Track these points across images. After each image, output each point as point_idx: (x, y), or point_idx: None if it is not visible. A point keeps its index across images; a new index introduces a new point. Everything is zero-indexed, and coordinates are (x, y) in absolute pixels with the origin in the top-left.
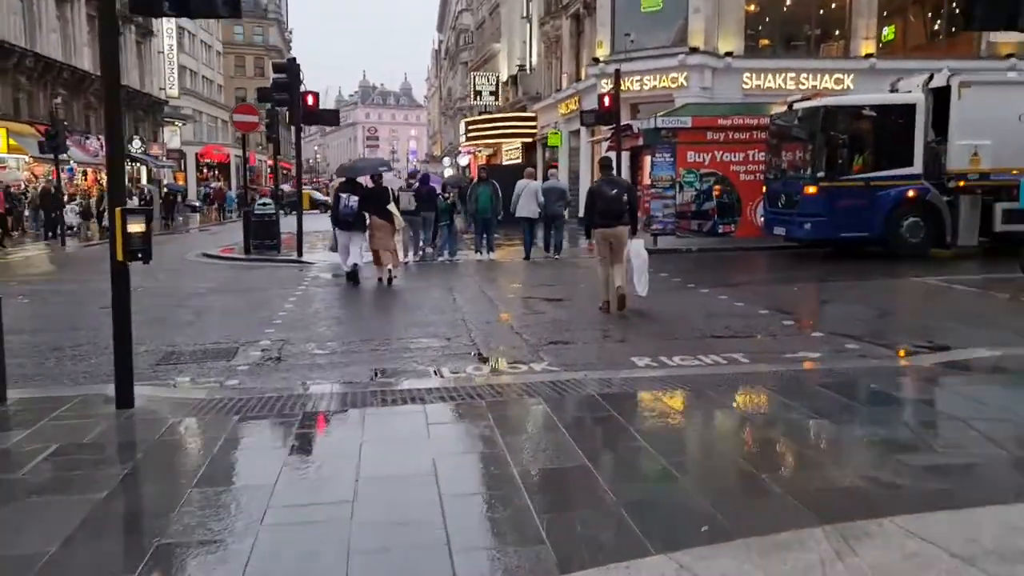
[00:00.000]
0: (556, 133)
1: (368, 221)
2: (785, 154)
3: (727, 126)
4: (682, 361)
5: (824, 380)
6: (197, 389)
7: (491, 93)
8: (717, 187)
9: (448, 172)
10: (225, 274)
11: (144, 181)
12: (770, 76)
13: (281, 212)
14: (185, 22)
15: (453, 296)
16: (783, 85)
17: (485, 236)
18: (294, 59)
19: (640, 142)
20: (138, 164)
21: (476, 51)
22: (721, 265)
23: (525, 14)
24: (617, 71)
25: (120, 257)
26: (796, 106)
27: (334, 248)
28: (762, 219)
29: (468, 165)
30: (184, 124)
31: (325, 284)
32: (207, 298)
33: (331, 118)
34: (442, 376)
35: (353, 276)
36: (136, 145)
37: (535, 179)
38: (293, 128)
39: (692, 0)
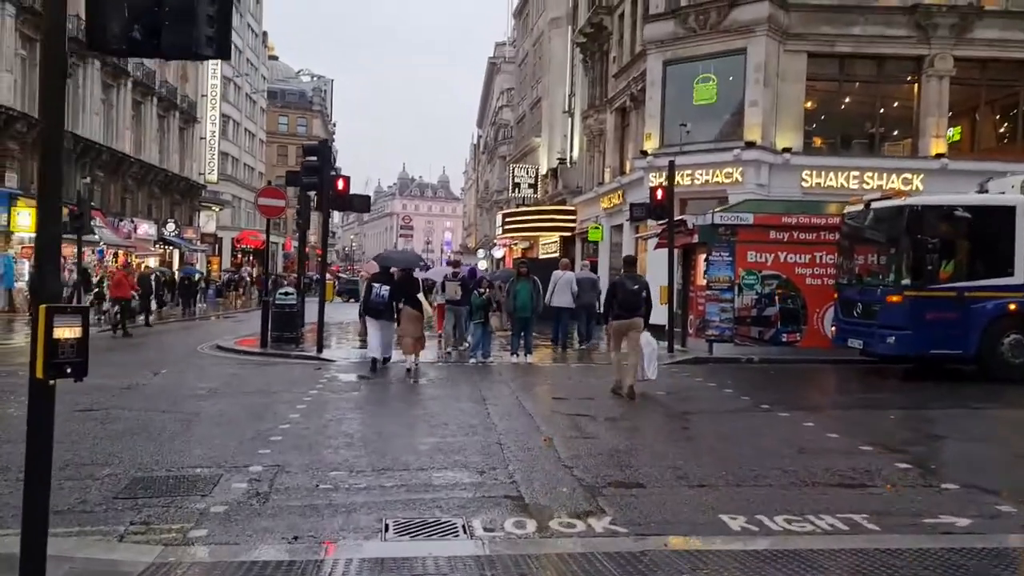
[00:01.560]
0: (597, 228)
1: (397, 312)
2: (860, 257)
3: (792, 224)
4: (788, 523)
5: (1003, 570)
6: (148, 546)
7: (530, 186)
8: (780, 291)
9: (483, 264)
10: (233, 371)
11: (176, 265)
12: (831, 174)
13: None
14: (229, 110)
15: (486, 408)
16: (845, 184)
17: (523, 336)
18: (326, 140)
19: (694, 239)
20: (171, 247)
21: (515, 145)
22: (791, 380)
23: (567, 108)
24: (671, 162)
25: (40, 373)
26: (874, 205)
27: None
28: (832, 328)
29: (503, 258)
30: (221, 209)
31: (341, 388)
32: (204, 402)
33: (362, 204)
34: (472, 534)
35: (375, 367)
36: (170, 228)
37: (570, 270)
38: (321, 214)
39: (749, 93)
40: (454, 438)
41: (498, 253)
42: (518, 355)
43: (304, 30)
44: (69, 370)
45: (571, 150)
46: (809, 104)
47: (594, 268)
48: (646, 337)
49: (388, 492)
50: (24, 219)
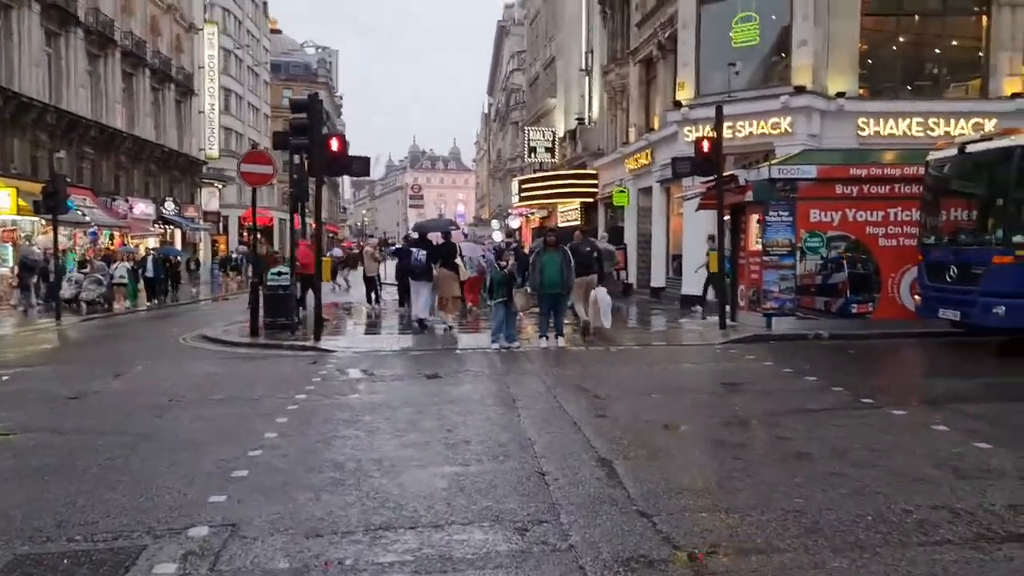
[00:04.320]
0: (623, 191)
1: (435, 272)
2: (953, 212)
3: (862, 177)
4: None
5: None
6: None
7: (547, 150)
8: (849, 254)
9: (497, 235)
10: (212, 369)
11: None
12: (891, 121)
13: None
14: (231, 83)
15: (518, 413)
16: (908, 131)
17: (553, 317)
18: (315, 94)
19: (746, 197)
20: (171, 227)
21: (528, 109)
22: (881, 362)
23: (584, 66)
24: (719, 107)
25: None
26: (972, 147)
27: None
28: (916, 297)
29: (520, 228)
30: (224, 186)
31: (338, 389)
32: (161, 418)
33: (360, 167)
34: None
35: (421, 326)
36: (169, 206)
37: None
38: (315, 180)
39: (797, 32)
40: (480, 464)
41: (514, 223)
42: (547, 339)
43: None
44: None
45: (590, 110)
46: (865, 45)
47: (618, 233)
48: (601, 292)
49: (387, 573)
50: (4, 200)
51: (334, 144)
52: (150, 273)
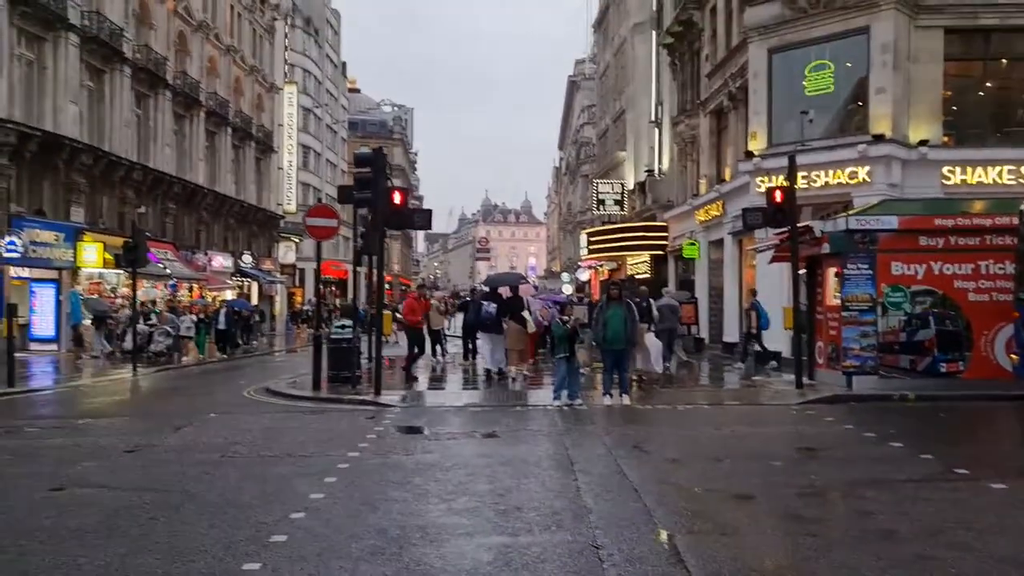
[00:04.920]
0: (693, 244)
1: (505, 326)
2: None
3: (948, 228)
4: None
5: None
6: None
7: (616, 202)
8: (936, 310)
9: (567, 288)
10: (268, 424)
11: (254, 298)
12: (979, 169)
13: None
14: (310, 141)
15: (575, 478)
16: (998, 180)
17: (617, 372)
18: (380, 148)
19: (822, 249)
20: (248, 279)
21: (598, 162)
22: (973, 427)
23: (654, 117)
24: (791, 156)
25: None
26: None
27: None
28: (1014, 356)
29: (588, 280)
30: (301, 240)
31: (391, 447)
32: (209, 475)
33: (423, 220)
34: None
35: (490, 377)
36: (247, 260)
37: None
38: (376, 232)
39: (874, 79)
40: (530, 535)
41: (583, 275)
42: (611, 396)
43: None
44: None
45: (659, 162)
46: (947, 89)
47: (689, 287)
48: (650, 339)
49: None
50: (91, 254)
51: (396, 197)
52: (222, 326)
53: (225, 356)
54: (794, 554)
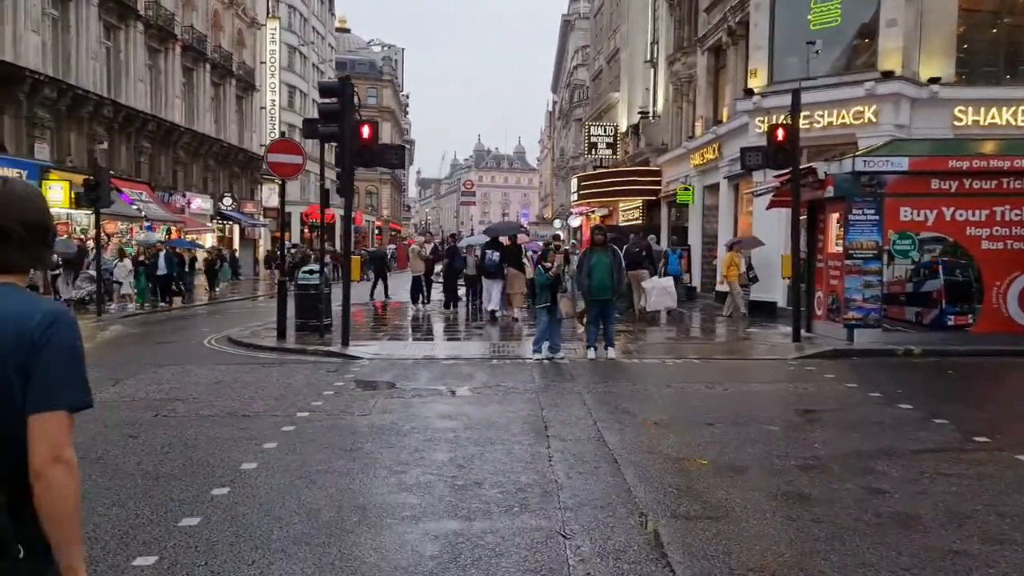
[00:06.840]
0: (687, 188)
1: (506, 271)
2: None
3: (963, 170)
4: None
5: None
6: None
7: (608, 146)
8: (946, 259)
9: (560, 235)
10: (218, 377)
11: (236, 241)
12: (993, 109)
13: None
14: (295, 80)
15: (547, 445)
16: (1012, 121)
17: (603, 325)
18: (347, 77)
19: (825, 193)
20: (229, 222)
21: (591, 104)
22: (988, 387)
23: (649, 57)
24: (795, 92)
25: None
26: None
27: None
28: None
29: (580, 227)
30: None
31: (347, 406)
32: (137, 437)
33: (395, 157)
34: None
35: (493, 318)
36: (227, 202)
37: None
38: (344, 169)
39: (885, 10)
40: (487, 520)
41: (574, 222)
42: (595, 349)
43: (374, 6)
44: None
45: (654, 104)
46: (961, 25)
47: (682, 234)
48: (652, 281)
49: None
50: (57, 193)
51: (365, 131)
52: (162, 271)
53: (166, 304)
54: (798, 547)
